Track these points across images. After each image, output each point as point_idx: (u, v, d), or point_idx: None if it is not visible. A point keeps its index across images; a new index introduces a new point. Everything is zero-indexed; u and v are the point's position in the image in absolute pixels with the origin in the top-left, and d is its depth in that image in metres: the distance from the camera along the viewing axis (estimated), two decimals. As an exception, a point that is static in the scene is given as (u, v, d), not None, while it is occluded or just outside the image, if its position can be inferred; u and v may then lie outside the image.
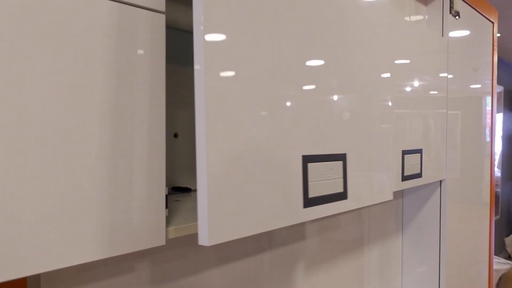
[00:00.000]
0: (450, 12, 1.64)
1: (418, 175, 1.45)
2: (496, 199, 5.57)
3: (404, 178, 1.36)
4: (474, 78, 1.92)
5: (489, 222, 2.09)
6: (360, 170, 0.94)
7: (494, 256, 3.33)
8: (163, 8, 0.67)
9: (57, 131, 0.54)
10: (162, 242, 0.66)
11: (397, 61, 1.31)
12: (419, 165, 1.45)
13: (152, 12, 0.65)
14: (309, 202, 0.80)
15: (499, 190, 5.61)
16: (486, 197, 2.06)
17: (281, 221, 0.74)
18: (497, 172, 5.54)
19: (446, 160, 1.65)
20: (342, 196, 0.88)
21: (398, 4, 1.55)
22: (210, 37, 0.61)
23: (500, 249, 5.84)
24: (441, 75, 1.58)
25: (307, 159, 0.80)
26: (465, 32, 1.79)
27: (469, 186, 1.90)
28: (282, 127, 0.74)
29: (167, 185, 1.10)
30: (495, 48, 2.11)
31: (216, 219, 0.62)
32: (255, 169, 0.68)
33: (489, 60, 2.06)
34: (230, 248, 1.08)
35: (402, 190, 1.77)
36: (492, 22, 2.07)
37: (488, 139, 2.07)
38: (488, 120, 2.07)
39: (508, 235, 6.02)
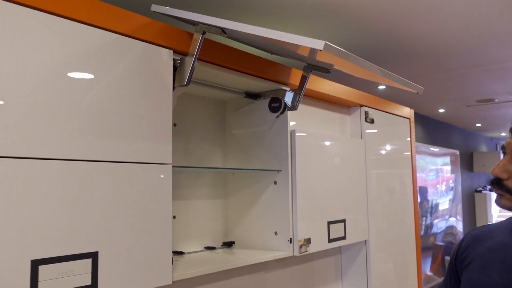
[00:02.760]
0: (366, 120, 2.33)
1: (343, 238, 2.08)
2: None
3: (330, 240, 1.99)
4: (395, 157, 2.60)
5: (416, 265, 2.69)
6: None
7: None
8: (170, 161, 1.32)
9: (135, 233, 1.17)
10: (169, 282, 1.28)
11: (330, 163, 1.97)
12: (343, 231, 2.08)
13: (162, 165, 1.30)
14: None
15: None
16: (412, 245, 2.67)
17: None
18: (459, 227, 6.16)
19: (368, 225, 2.28)
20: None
21: (330, 117, 2.25)
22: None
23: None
24: (360, 164, 2.25)
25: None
26: (383, 129, 2.49)
27: (394, 238, 2.51)
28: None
29: (169, 250, 1.71)
30: (413, 132, 2.81)
31: (197, 269, 1.25)
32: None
33: (408, 141, 2.74)
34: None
35: (340, 247, 2.39)
36: (408, 118, 2.78)
37: (410, 198, 2.71)
38: (410, 185, 2.72)
39: None
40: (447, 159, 6.14)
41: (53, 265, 1.04)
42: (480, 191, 6.68)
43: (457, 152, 6.22)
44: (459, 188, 6.22)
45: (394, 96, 4.07)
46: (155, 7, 1.43)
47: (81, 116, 1.12)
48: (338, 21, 2.40)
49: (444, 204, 6.26)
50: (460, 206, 6.22)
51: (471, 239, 1.24)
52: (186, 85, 1.36)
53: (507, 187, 1.05)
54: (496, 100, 4.37)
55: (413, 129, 2.81)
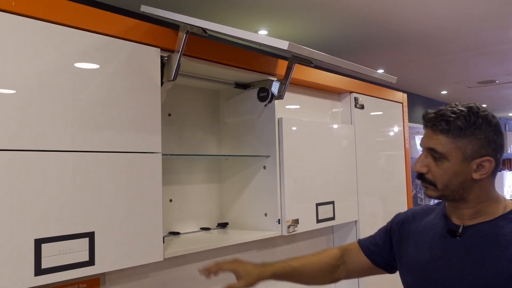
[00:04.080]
0: (356, 106, 2.44)
1: (332, 218, 2.21)
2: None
3: (319, 221, 2.12)
4: (387, 140, 2.70)
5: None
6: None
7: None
8: (159, 150, 1.45)
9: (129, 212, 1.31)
10: (160, 258, 1.42)
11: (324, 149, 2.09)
12: (332, 212, 2.21)
13: (152, 153, 1.43)
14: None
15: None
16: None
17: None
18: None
19: (358, 205, 2.40)
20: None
21: (321, 104, 2.35)
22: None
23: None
24: (350, 148, 2.36)
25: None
26: (374, 114, 2.59)
27: (386, 218, 2.63)
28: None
29: (165, 230, 1.86)
30: (405, 115, 2.90)
31: (185, 246, 1.39)
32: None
33: (401, 124, 2.83)
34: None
35: (332, 227, 2.51)
36: (401, 103, 2.87)
37: (403, 180, 2.82)
38: (403, 167, 2.82)
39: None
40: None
41: (54, 243, 1.18)
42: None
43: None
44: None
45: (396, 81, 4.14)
46: (144, 8, 1.55)
47: (77, 113, 1.26)
48: (333, 11, 2.48)
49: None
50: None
51: (410, 215, 1.37)
52: (173, 80, 1.48)
53: (428, 179, 1.16)
54: (497, 81, 4.41)
55: (405, 113, 2.90)
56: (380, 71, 3.89)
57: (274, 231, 1.92)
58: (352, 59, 3.36)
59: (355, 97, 2.45)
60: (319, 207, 2.13)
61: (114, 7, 2.43)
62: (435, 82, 4.43)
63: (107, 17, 1.35)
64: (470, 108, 1.12)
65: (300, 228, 2.00)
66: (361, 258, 1.43)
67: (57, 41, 1.23)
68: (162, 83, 1.49)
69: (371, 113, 2.58)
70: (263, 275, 1.34)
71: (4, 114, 1.12)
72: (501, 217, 1.14)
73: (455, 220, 1.20)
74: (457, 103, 1.14)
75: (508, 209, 1.16)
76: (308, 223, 2.06)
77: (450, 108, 1.14)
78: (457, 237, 1.17)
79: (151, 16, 1.57)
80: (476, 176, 1.12)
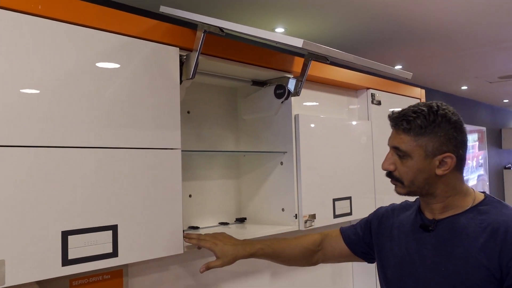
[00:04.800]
0: (372, 102, 2.45)
1: (349, 214, 2.23)
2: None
3: (336, 216, 2.14)
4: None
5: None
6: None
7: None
8: (179, 146, 1.50)
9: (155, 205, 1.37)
10: (180, 251, 1.47)
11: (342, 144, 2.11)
12: (349, 207, 2.23)
13: (172, 150, 1.48)
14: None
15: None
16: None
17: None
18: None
19: (375, 201, 2.41)
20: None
21: (338, 101, 2.37)
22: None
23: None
24: (367, 144, 2.38)
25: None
26: (394, 109, 2.59)
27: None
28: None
29: (185, 225, 1.90)
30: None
31: (203, 239, 1.44)
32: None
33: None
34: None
35: (349, 222, 2.53)
36: (419, 98, 2.86)
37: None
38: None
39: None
40: (474, 136, 6.11)
41: (80, 235, 1.24)
42: (510, 168, 6.62)
43: (484, 129, 6.17)
44: (487, 165, 6.21)
45: (415, 76, 4.11)
46: (163, 9, 1.60)
47: (100, 111, 1.31)
48: (350, 8, 2.49)
49: (473, 180, 6.28)
50: (486, 183, 6.21)
51: (390, 210, 1.42)
52: (191, 78, 1.53)
53: (396, 177, 1.21)
54: (518, 76, 4.34)
55: (424, 109, 2.89)
56: (398, 67, 3.88)
57: (291, 226, 1.95)
58: (370, 56, 3.36)
59: (372, 93, 2.46)
60: (336, 202, 2.15)
61: (134, 8, 2.49)
62: (455, 77, 4.38)
63: (127, 18, 1.40)
64: (430, 107, 1.16)
65: (317, 223, 2.02)
66: (341, 246, 1.48)
67: (79, 42, 1.28)
68: (181, 81, 1.54)
69: (389, 109, 2.58)
70: (240, 255, 1.42)
71: (29, 112, 1.17)
72: (470, 209, 1.18)
73: (428, 215, 1.24)
74: (420, 102, 1.21)
75: (477, 201, 1.19)
76: (325, 218, 2.08)
77: (412, 108, 1.19)
78: (430, 231, 1.20)
79: (169, 16, 1.62)
80: (439, 172, 1.16)
